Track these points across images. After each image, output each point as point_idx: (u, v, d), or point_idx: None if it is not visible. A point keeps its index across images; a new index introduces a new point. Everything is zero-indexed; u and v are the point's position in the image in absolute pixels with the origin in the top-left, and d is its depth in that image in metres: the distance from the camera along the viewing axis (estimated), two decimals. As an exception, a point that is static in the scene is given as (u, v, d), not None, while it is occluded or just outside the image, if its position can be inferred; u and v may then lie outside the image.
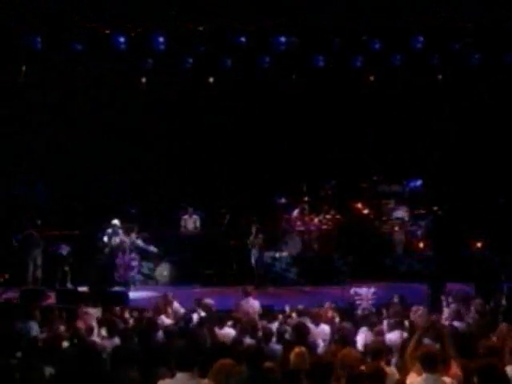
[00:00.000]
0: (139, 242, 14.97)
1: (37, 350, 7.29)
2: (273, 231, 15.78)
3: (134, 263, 14.80)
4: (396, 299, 10.50)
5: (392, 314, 9.11)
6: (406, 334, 8.28)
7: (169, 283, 15.41)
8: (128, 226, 14.84)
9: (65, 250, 14.36)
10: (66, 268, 14.29)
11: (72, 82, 15.52)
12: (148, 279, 15.41)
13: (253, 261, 14.73)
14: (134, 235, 14.82)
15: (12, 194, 15.52)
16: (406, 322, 8.85)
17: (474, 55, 15.03)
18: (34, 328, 8.92)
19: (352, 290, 11.44)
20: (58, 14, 13.48)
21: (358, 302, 10.97)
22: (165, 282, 15.39)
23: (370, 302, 10.99)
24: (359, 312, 10.28)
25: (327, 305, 10.17)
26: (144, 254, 15.20)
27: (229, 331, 8.75)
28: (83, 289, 13.57)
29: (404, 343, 8.01)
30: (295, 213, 15.83)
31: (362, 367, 6.19)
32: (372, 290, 11.41)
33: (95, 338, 8.48)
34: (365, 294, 11.14)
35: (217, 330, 8.76)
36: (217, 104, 16.51)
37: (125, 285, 14.28)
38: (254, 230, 14.85)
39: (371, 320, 8.99)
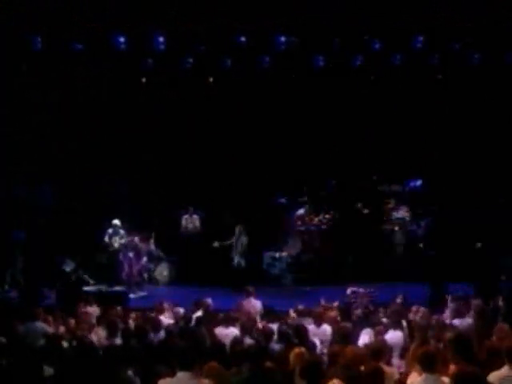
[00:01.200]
0: (154, 250, 15.07)
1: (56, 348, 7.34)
2: (273, 231, 15.79)
3: (146, 269, 14.89)
4: (399, 299, 10.52)
5: (390, 314, 9.12)
6: (403, 334, 8.30)
7: (169, 283, 15.44)
8: (146, 233, 14.95)
9: (69, 266, 14.37)
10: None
11: (72, 82, 15.51)
12: (148, 279, 15.42)
13: (235, 262, 14.68)
14: (152, 242, 14.91)
15: (13, 194, 15.50)
16: (404, 322, 8.85)
17: (474, 55, 15.04)
18: (46, 328, 8.94)
19: (349, 290, 11.46)
20: (58, 14, 13.47)
21: (352, 300, 10.98)
22: (165, 282, 15.42)
23: (365, 300, 11.00)
24: (358, 312, 10.29)
25: (322, 302, 10.22)
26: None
27: (233, 330, 8.74)
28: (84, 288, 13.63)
29: (404, 343, 8.04)
30: (300, 212, 15.80)
31: (361, 367, 6.20)
32: (370, 289, 11.42)
33: (95, 337, 8.49)
34: (362, 293, 11.14)
35: (221, 329, 8.76)
36: (217, 104, 16.51)
37: (130, 286, 14.30)
38: (237, 231, 14.78)
39: (373, 320, 9.00)
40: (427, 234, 15.73)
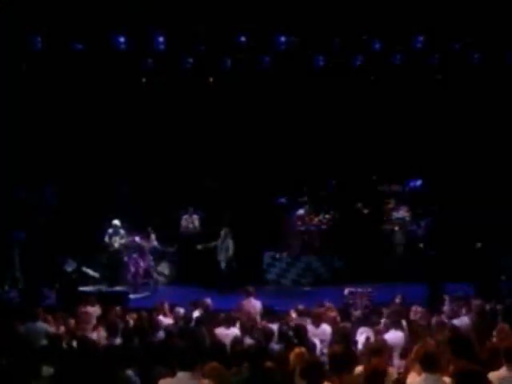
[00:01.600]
0: (158, 245, 15.04)
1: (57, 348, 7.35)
2: (273, 231, 15.78)
3: (152, 269, 14.85)
4: (398, 300, 10.50)
5: (389, 314, 9.11)
6: (403, 334, 8.29)
7: (169, 283, 15.44)
8: (146, 230, 14.92)
9: (70, 266, 14.37)
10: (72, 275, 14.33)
11: (72, 82, 15.50)
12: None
13: (222, 266, 14.58)
14: (153, 237, 14.86)
15: (13, 194, 15.49)
16: (404, 322, 8.84)
17: (474, 55, 15.05)
18: (47, 328, 8.94)
19: (346, 291, 11.43)
20: (58, 14, 13.47)
21: (350, 302, 10.96)
22: (166, 282, 15.42)
23: (364, 300, 10.97)
24: (357, 313, 10.27)
25: (327, 305, 10.17)
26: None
27: (233, 330, 8.74)
28: (84, 288, 13.64)
29: (404, 343, 8.04)
30: (300, 212, 15.79)
31: (360, 367, 6.20)
32: (368, 290, 11.39)
33: (95, 337, 8.49)
34: (359, 294, 11.12)
35: (222, 329, 8.76)
36: (217, 104, 16.51)
37: (136, 287, 14.27)
38: (222, 234, 14.72)
39: (371, 320, 9.00)
40: (427, 234, 15.72)
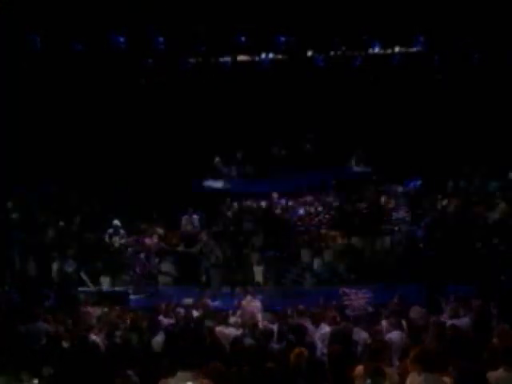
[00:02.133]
0: (164, 245, 15.00)
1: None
2: (273, 231, 15.78)
3: (156, 270, 14.78)
4: (396, 300, 10.49)
5: (389, 314, 9.10)
6: (403, 334, 8.28)
7: (170, 283, 15.44)
8: (151, 229, 14.87)
9: (71, 266, 14.35)
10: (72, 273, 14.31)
11: (72, 82, 15.51)
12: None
13: (207, 265, 14.52)
14: (155, 237, 14.80)
15: (13, 194, 15.50)
16: (404, 322, 8.84)
17: (474, 55, 15.07)
18: (48, 328, 8.94)
19: (340, 290, 11.40)
20: (58, 14, 13.49)
21: (346, 303, 10.94)
22: (166, 282, 15.41)
23: (362, 301, 10.94)
24: (348, 312, 10.26)
25: (328, 305, 10.17)
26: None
27: (233, 330, 8.74)
28: (84, 288, 13.64)
29: (404, 343, 8.03)
30: (300, 212, 15.81)
31: (360, 367, 6.20)
32: (363, 290, 11.35)
33: (94, 337, 8.49)
34: (354, 294, 11.09)
35: (221, 329, 8.76)
36: (217, 104, 16.52)
37: (141, 287, 14.24)
38: (203, 237, 14.69)
39: (366, 320, 9.00)
40: (427, 234, 15.70)
